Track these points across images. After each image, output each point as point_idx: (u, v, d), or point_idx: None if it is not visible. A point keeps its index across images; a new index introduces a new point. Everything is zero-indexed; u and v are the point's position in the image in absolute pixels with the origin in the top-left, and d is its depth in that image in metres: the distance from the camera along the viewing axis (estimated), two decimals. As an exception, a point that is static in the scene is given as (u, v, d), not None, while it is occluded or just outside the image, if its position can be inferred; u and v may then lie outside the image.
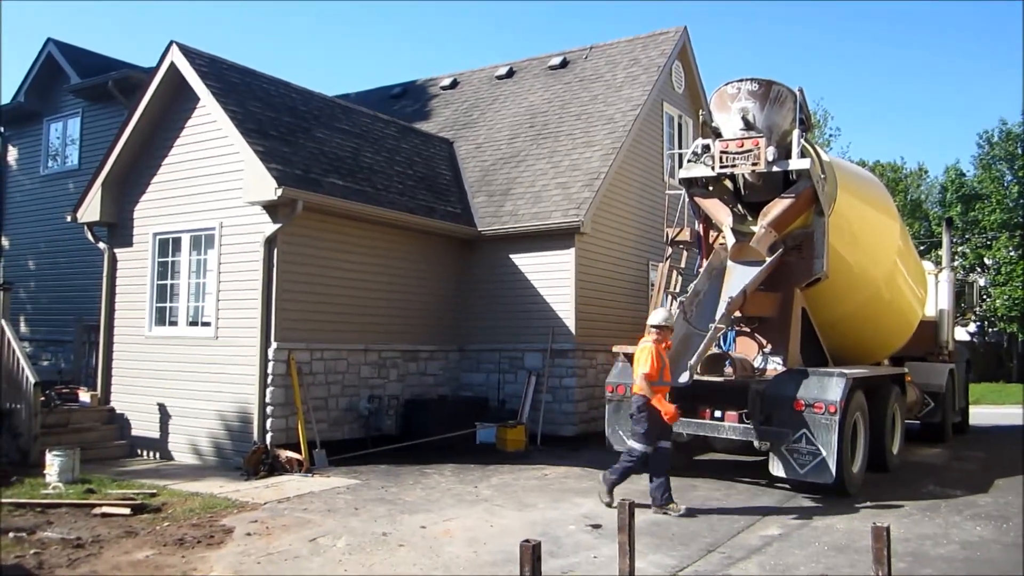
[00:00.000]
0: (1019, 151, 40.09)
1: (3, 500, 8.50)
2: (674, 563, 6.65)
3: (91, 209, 12.97)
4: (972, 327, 38.38)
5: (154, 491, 9.25)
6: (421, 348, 13.80)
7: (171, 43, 12.04)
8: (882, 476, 10.50)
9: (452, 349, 14.53)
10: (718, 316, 9.35)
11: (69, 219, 13.48)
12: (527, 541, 3.63)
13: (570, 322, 13.55)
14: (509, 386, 14.10)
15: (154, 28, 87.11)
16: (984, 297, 36.90)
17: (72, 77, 17.24)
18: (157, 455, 12.08)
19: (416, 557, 6.77)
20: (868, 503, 8.99)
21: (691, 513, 8.35)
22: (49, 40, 17.82)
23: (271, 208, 11.11)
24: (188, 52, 12.03)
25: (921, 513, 8.57)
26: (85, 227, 13.28)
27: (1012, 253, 39.01)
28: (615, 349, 11.12)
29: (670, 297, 11.75)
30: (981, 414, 20.88)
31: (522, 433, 12.91)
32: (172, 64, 12.01)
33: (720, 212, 10.48)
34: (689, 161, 10.83)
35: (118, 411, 12.70)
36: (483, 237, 14.48)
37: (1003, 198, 39.56)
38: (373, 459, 11.53)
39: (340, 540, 7.26)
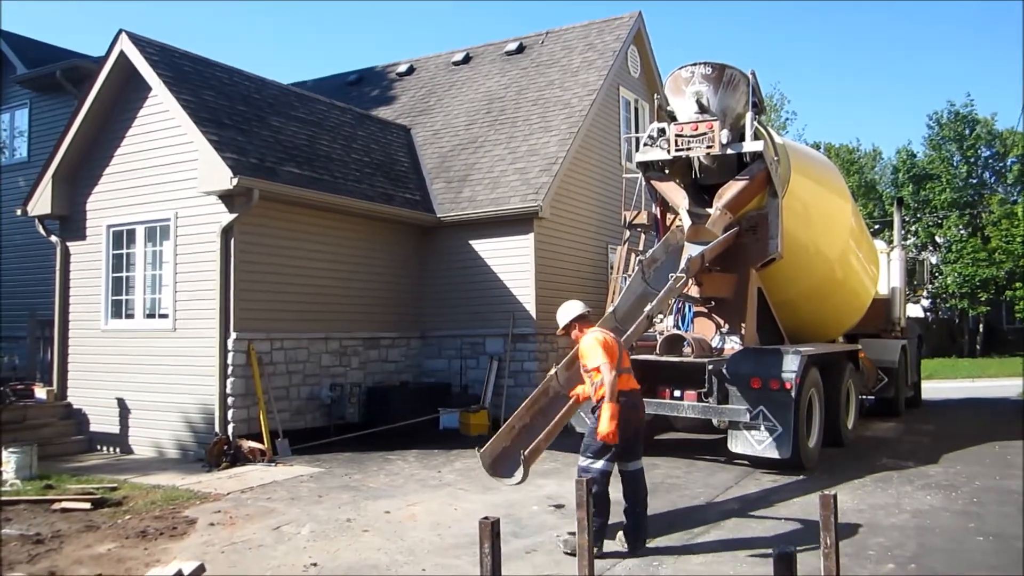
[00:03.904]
0: (967, 132, 40.95)
1: (-41, 498, 8.37)
2: (635, 540, 6.76)
3: (42, 202, 12.74)
4: (925, 302, 39.23)
5: (115, 485, 9.17)
6: (382, 335, 13.79)
7: (120, 31, 11.84)
8: (838, 451, 10.74)
9: (413, 336, 14.54)
10: (679, 269, 9.43)
11: (19, 213, 13.24)
12: (486, 518, 3.69)
13: (530, 307, 13.63)
14: (471, 371, 14.16)
15: (103, 16, 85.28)
16: (935, 274, 37.74)
17: (19, 67, 16.87)
18: (117, 450, 11.95)
19: (381, 542, 6.81)
20: (824, 477, 9.20)
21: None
22: (-6, 30, 17.43)
23: (227, 198, 11.01)
24: (138, 41, 11.84)
25: (875, 484, 8.80)
26: (36, 220, 13.06)
27: (962, 231, 39.91)
28: (575, 332, 11.20)
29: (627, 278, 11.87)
30: (933, 388, 21.42)
31: (485, 418, 12.99)
32: (122, 53, 11.82)
33: (676, 195, 10.60)
34: (645, 145, 10.92)
35: (75, 406, 12.54)
36: (442, 223, 14.48)
37: (952, 178, 40.44)
38: (336, 447, 11.53)
39: (304, 527, 7.27)
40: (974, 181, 41.51)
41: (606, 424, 6.21)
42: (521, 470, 6.48)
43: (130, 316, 12.23)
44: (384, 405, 12.86)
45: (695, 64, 10.20)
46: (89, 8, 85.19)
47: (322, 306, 12.50)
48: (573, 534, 6.32)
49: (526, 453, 6.49)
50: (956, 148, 41.24)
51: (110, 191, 12.40)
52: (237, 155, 11.13)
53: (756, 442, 9.18)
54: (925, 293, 28.54)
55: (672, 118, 10.54)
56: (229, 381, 10.92)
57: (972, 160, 41.29)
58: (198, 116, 11.30)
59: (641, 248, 13.54)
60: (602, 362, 6.35)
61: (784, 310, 11.18)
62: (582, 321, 6.91)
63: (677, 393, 9.84)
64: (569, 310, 6.97)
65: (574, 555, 6.10)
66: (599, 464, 6.34)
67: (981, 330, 40.65)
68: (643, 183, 11.53)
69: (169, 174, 11.65)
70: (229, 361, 10.94)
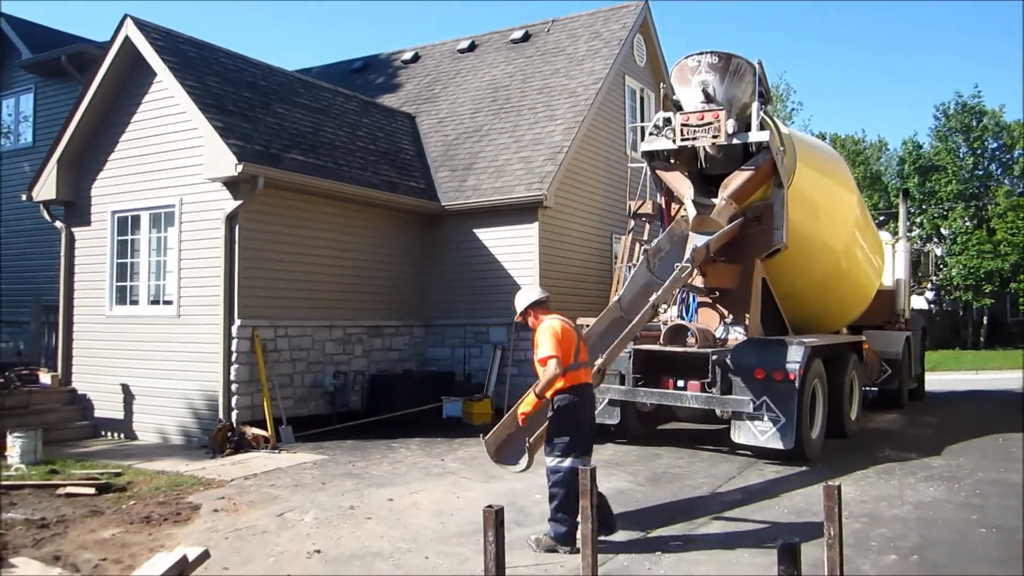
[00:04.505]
0: (974, 123, 40.75)
1: (-36, 482, 8.41)
2: (638, 528, 6.78)
3: (47, 187, 12.75)
4: (929, 294, 39.15)
5: (119, 470, 9.21)
6: (386, 324, 13.80)
7: (125, 16, 11.82)
8: (841, 442, 10.73)
9: (417, 324, 14.54)
10: (684, 259, 9.41)
11: (24, 198, 13.25)
12: (490, 507, 3.70)
13: (535, 296, 13.59)
14: (475, 360, 14.16)
15: (108, 1, 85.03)
16: (940, 266, 37.64)
17: (23, 52, 16.85)
18: (121, 435, 11.99)
19: (384, 529, 6.83)
20: (827, 468, 9.20)
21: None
22: (-2, 14, 17.41)
23: (232, 185, 11.01)
24: (143, 26, 11.82)
25: (877, 476, 8.80)
26: (41, 206, 13.09)
27: (967, 223, 39.78)
28: (579, 321, 11.20)
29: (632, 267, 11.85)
30: (937, 381, 21.41)
31: (488, 406, 13.00)
32: (127, 38, 11.80)
33: (681, 184, 10.57)
34: (651, 134, 10.89)
35: (80, 392, 12.58)
36: (447, 212, 14.46)
37: (958, 169, 40.27)
38: (340, 435, 11.56)
39: (308, 515, 7.30)
40: (980, 173, 41.34)
41: (525, 406, 6.38)
42: (526, 457, 6.50)
43: (134, 302, 12.25)
44: (388, 393, 12.88)
45: (701, 53, 10.16)
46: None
47: (326, 294, 12.51)
48: (544, 536, 6.29)
49: (531, 440, 6.50)
50: (963, 139, 41.06)
51: (115, 177, 12.40)
52: (242, 142, 11.12)
53: (759, 433, 9.19)
54: (930, 285, 28.48)
55: (678, 107, 10.50)
56: (233, 368, 10.93)
57: (979, 152, 41.11)
58: (203, 102, 11.29)
59: (646, 238, 13.52)
60: (550, 355, 6.16)
61: (788, 301, 11.17)
62: (538, 307, 6.65)
63: (680, 383, 9.85)
64: (525, 295, 6.77)
65: (554, 552, 6.12)
66: (568, 462, 6.20)
67: (985, 322, 40.59)
68: (648, 173, 11.51)
69: (174, 160, 11.64)
70: (233, 348, 10.95)
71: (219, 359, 10.94)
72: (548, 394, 6.27)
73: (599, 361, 7.65)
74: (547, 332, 6.30)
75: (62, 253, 12.99)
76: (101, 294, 12.48)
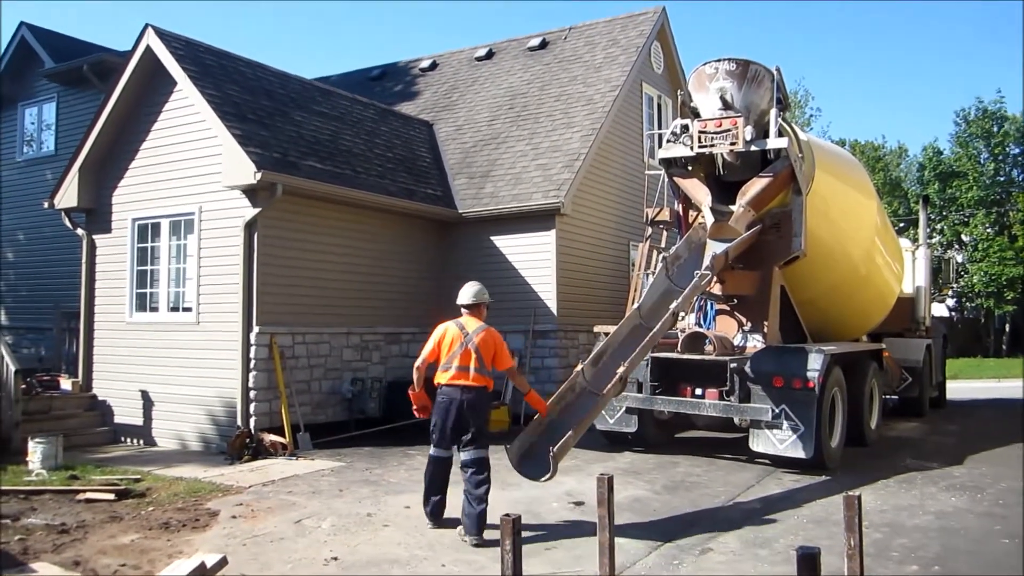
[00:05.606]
0: (995, 129, 40.39)
1: (-14, 487, 8.48)
2: (655, 538, 6.74)
3: (68, 195, 12.87)
4: (950, 302, 38.82)
5: (138, 476, 9.26)
6: (403, 330, 13.82)
7: (146, 26, 11.94)
8: (861, 450, 10.65)
9: (435, 331, 14.52)
10: (703, 267, 9.40)
11: (46, 205, 13.37)
12: (507, 515, 3.70)
13: (551, 303, 13.60)
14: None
15: (129, 10, 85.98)
16: (961, 273, 37.30)
17: (46, 61, 17.02)
18: (140, 441, 12.07)
19: (401, 536, 6.83)
20: (847, 477, 9.12)
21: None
22: (22, 24, 17.59)
23: (250, 192, 11.08)
24: (164, 35, 11.93)
25: (898, 485, 8.72)
26: (63, 213, 13.19)
27: (988, 230, 39.42)
28: (596, 329, 11.21)
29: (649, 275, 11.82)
30: (958, 388, 21.18)
31: (505, 413, 12.98)
32: (148, 47, 11.91)
33: (699, 192, 10.54)
34: (668, 141, 10.86)
35: (100, 398, 12.67)
36: (464, 219, 14.48)
37: (979, 175, 39.92)
38: (357, 441, 11.58)
39: (325, 521, 7.31)
40: (1002, 179, 40.97)
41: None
42: (551, 466, 6.59)
43: (154, 309, 12.34)
44: (405, 400, 12.68)
45: (719, 60, 10.13)
46: (115, 2, 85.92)
47: (344, 300, 12.55)
48: None
49: (555, 450, 6.57)
50: (984, 145, 40.71)
51: (135, 184, 12.51)
52: (260, 149, 11.19)
53: (778, 441, 9.13)
54: (950, 292, 28.24)
55: (695, 114, 10.47)
56: (251, 375, 10.99)
57: (1000, 157, 40.75)
58: (222, 110, 11.37)
59: (663, 245, 13.49)
60: (423, 352, 7.19)
61: (807, 308, 11.10)
62: (466, 309, 7.44)
63: (698, 391, 9.82)
64: (460, 294, 7.52)
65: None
66: (431, 451, 7.05)
67: (1007, 330, 40.17)
68: (666, 180, 11.47)
69: (193, 168, 11.73)
70: (251, 355, 11.00)
71: (237, 366, 10.99)
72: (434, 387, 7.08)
73: (620, 369, 7.69)
74: (433, 333, 7.28)
75: (83, 260, 13.11)
76: (121, 301, 12.58)
